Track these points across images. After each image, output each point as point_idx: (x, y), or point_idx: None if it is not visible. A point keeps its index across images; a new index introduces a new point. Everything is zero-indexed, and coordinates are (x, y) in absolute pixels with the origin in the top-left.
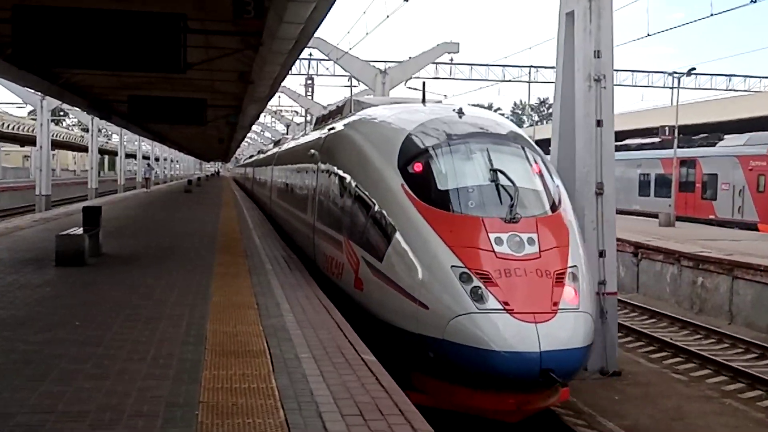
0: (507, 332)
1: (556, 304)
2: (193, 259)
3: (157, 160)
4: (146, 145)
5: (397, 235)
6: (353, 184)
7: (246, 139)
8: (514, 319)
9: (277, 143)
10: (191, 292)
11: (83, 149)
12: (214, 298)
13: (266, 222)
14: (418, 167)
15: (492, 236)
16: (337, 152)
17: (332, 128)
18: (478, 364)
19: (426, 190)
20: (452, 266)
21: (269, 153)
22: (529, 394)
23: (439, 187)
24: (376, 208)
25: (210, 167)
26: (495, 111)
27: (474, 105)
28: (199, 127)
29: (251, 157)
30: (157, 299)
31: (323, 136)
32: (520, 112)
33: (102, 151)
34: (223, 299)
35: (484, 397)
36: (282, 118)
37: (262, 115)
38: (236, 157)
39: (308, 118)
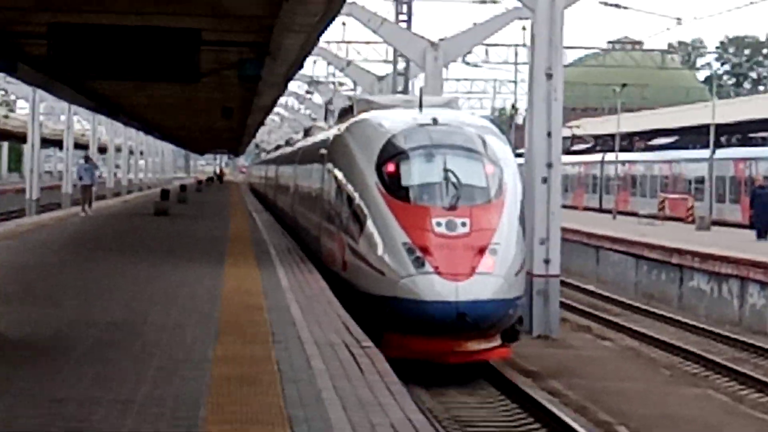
0: (435, 287)
1: (474, 269)
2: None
3: (103, 151)
4: (82, 122)
5: (369, 222)
6: (344, 182)
7: (272, 116)
8: (441, 279)
9: (307, 132)
10: None
11: None
12: None
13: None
14: (390, 168)
15: (434, 220)
16: (337, 153)
17: (339, 128)
18: (417, 312)
19: (394, 186)
20: (402, 242)
21: (297, 146)
22: (461, 340)
23: (403, 183)
24: (356, 201)
25: (205, 165)
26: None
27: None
28: (186, 86)
29: (278, 148)
30: None
31: (331, 136)
32: None
33: None
34: None
35: (429, 342)
36: (320, 92)
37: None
38: (258, 147)
39: (331, 108)
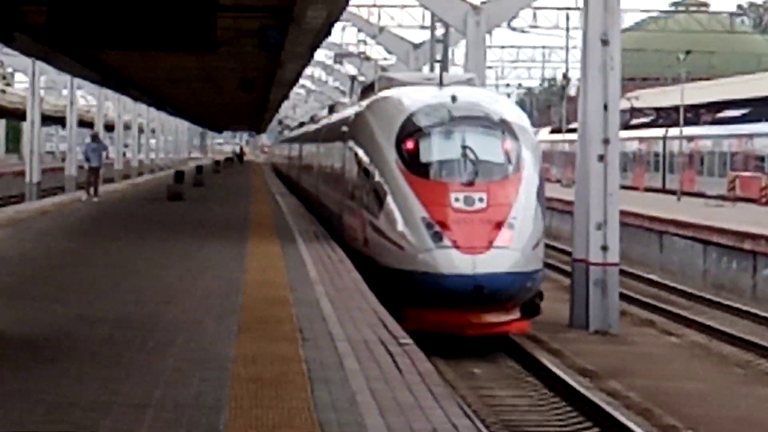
0: (453, 261)
1: (491, 243)
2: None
3: (110, 129)
4: (87, 97)
5: (388, 198)
6: (365, 159)
7: (297, 89)
8: (459, 253)
9: (331, 109)
10: None
11: None
12: None
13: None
14: (409, 145)
15: (452, 195)
16: (358, 131)
17: (360, 105)
18: (436, 285)
19: (413, 163)
20: (421, 218)
21: (321, 123)
22: (479, 312)
23: (422, 160)
24: (376, 178)
25: (223, 143)
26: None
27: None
28: (201, 56)
29: (301, 125)
30: None
31: (352, 113)
32: None
33: None
34: None
35: (447, 315)
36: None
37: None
38: (282, 123)
39: (354, 86)
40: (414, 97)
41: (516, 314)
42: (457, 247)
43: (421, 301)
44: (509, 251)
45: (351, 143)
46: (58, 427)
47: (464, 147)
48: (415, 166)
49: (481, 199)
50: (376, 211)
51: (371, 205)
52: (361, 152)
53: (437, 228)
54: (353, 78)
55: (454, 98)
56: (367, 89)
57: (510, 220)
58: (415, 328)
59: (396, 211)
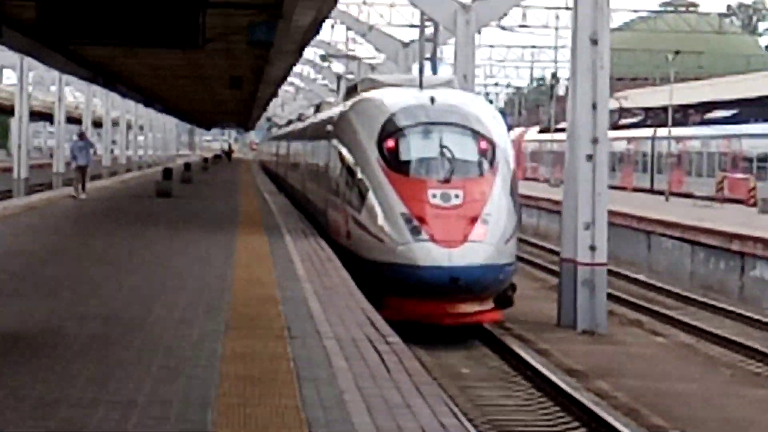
0: (430, 254)
1: (466, 237)
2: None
3: (98, 125)
4: (75, 93)
5: (370, 194)
6: (348, 157)
7: (286, 87)
8: (436, 246)
9: (317, 108)
10: None
11: None
12: None
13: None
14: (390, 144)
15: (430, 192)
16: (342, 130)
17: (344, 105)
18: (414, 277)
19: (393, 161)
20: (401, 213)
21: (308, 122)
22: (455, 302)
23: (402, 158)
24: (359, 175)
25: (212, 140)
26: None
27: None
28: (190, 53)
29: (289, 123)
30: None
31: (337, 113)
32: None
33: None
34: None
35: (425, 305)
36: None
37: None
38: (270, 121)
39: (341, 84)
40: (395, 99)
41: (490, 305)
42: (434, 240)
43: (401, 291)
44: (483, 245)
45: (335, 142)
46: (45, 424)
47: (442, 146)
48: (395, 164)
49: (457, 196)
50: (358, 207)
51: (354, 201)
52: (344, 150)
53: (415, 222)
54: (339, 77)
55: (432, 100)
56: (351, 90)
57: (484, 216)
58: (395, 317)
59: (377, 207)
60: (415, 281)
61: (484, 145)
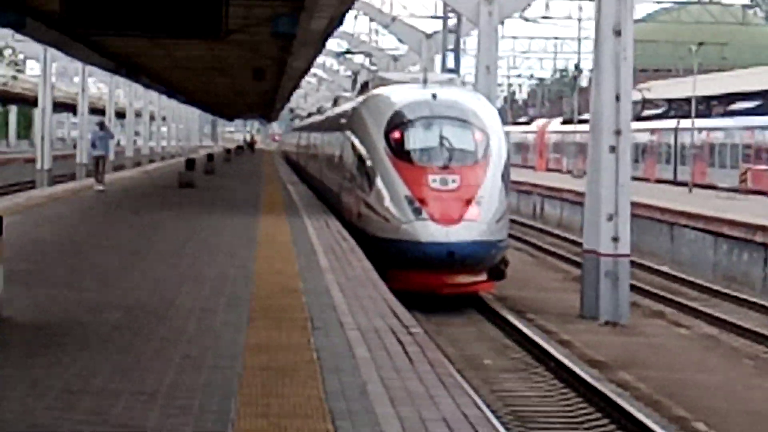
0: (430, 231)
1: (462, 216)
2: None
3: (121, 116)
4: (98, 84)
5: (377, 179)
6: (359, 147)
7: (308, 78)
8: (435, 224)
9: (335, 102)
10: None
11: None
12: None
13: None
14: (396, 135)
15: (430, 177)
16: (354, 123)
17: (357, 100)
18: (415, 251)
19: (398, 150)
20: (405, 195)
21: (326, 114)
22: (452, 274)
23: (406, 148)
24: (368, 162)
25: (234, 132)
26: None
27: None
28: (212, 44)
29: (309, 116)
30: None
31: (350, 107)
32: None
33: (4, 98)
34: None
35: (426, 276)
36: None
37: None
38: (293, 112)
39: (358, 78)
40: (400, 95)
41: (483, 277)
42: (433, 219)
43: (404, 264)
44: (477, 224)
45: (348, 133)
46: (69, 414)
47: (441, 137)
48: (400, 152)
49: (454, 181)
50: (367, 190)
51: (364, 185)
52: (356, 141)
53: (417, 204)
54: (356, 74)
55: (434, 96)
56: (364, 86)
57: (478, 198)
58: (399, 287)
59: (384, 190)
60: (416, 255)
61: (479, 136)
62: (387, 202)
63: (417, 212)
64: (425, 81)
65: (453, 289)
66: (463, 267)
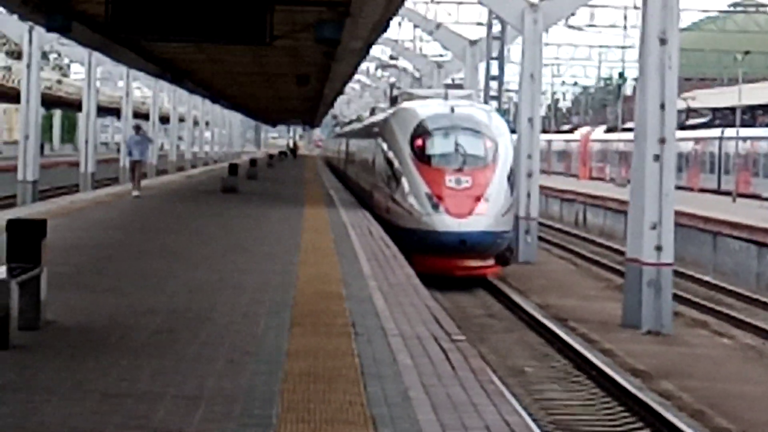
0: (446, 222)
1: (472, 210)
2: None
3: (165, 121)
4: (142, 89)
5: (403, 179)
6: (388, 152)
7: (352, 84)
8: (450, 217)
9: (372, 111)
10: None
11: (10, 97)
12: None
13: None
14: (419, 142)
15: (447, 178)
16: (384, 132)
17: (388, 112)
18: (434, 239)
19: (421, 154)
20: (425, 193)
21: (364, 123)
22: (464, 259)
23: (427, 153)
24: (396, 165)
25: (277, 137)
26: None
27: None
28: (257, 49)
29: (350, 123)
30: None
31: (382, 118)
32: None
33: (48, 101)
34: None
35: (442, 260)
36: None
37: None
38: (336, 118)
39: (391, 91)
40: (424, 109)
41: (491, 262)
42: (449, 213)
43: (424, 250)
44: (485, 217)
45: (380, 140)
46: (110, 417)
47: (457, 144)
48: (422, 157)
49: (466, 181)
50: (394, 188)
51: (392, 184)
52: (386, 147)
53: (435, 200)
54: (392, 87)
55: (452, 109)
56: (394, 100)
57: (486, 196)
58: (420, 269)
59: (408, 188)
60: (434, 243)
61: (489, 144)
62: (411, 198)
63: (435, 207)
64: (446, 96)
65: (465, 272)
66: (473, 253)
